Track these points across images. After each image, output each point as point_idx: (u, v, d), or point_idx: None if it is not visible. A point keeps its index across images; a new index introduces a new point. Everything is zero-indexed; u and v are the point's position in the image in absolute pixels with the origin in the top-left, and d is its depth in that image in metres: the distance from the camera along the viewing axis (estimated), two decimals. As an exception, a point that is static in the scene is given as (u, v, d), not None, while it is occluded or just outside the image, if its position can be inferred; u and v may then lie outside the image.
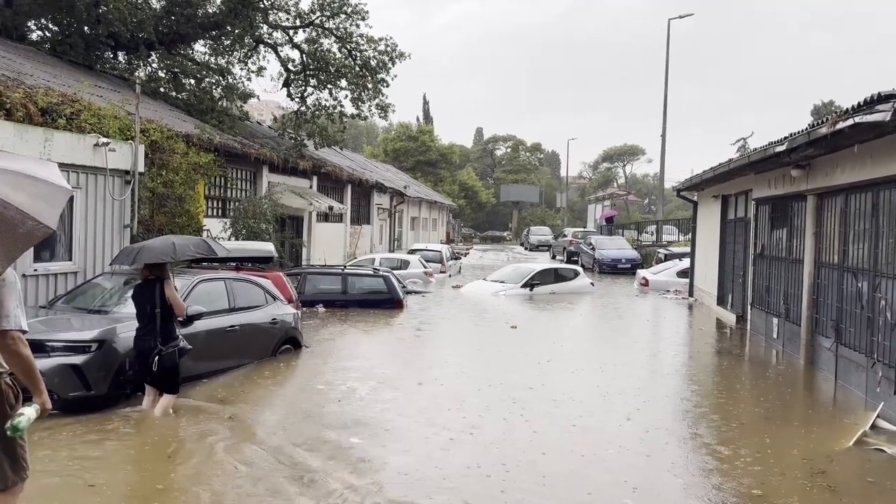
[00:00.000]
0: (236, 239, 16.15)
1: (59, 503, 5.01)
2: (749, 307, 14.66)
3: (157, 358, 6.93)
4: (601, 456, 6.40)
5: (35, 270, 9.47)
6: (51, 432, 6.30)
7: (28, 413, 3.56)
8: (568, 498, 5.45)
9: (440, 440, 6.66)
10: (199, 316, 8.36)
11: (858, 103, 7.70)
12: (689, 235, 25.02)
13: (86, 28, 20.51)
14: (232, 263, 11.20)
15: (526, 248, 51.02)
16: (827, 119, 8.72)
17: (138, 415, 7.11)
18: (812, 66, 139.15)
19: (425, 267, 22.65)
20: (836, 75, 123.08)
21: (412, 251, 27.18)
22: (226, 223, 16.81)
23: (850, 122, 7.52)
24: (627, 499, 5.41)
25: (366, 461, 6.00)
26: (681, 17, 37.94)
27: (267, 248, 13.31)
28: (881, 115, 7.04)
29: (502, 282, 20.96)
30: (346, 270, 16.99)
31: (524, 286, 20.31)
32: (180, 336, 7.23)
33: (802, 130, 9.72)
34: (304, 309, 13.05)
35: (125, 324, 7.60)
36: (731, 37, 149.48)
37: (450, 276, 25.60)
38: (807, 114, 56.76)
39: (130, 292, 8.62)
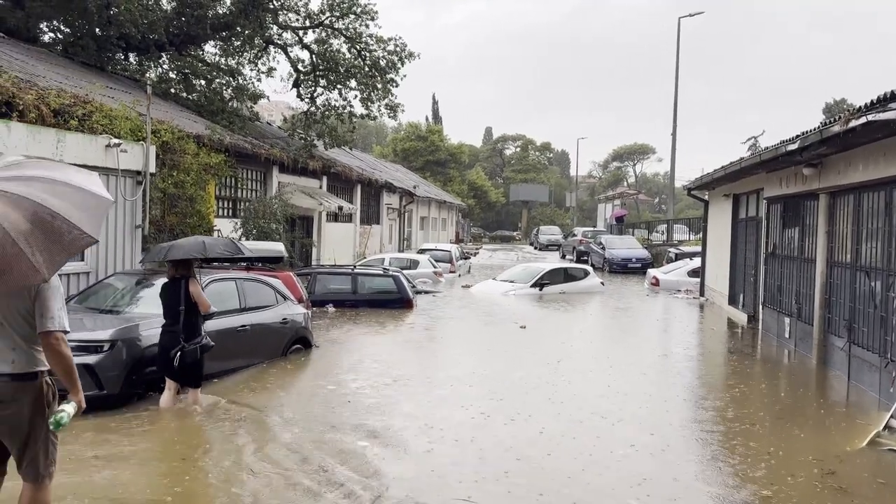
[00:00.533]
0: (247, 239, 16.21)
1: (87, 500, 5.03)
2: (760, 307, 14.58)
3: (178, 354, 7.08)
4: (609, 456, 6.37)
5: (48, 271, 9.51)
6: (73, 431, 6.33)
7: (68, 410, 3.76)
8: (574, 497, 5.43)
9: (449, 440, 6.65)
10: (210, 316, 8.42)
11: (871, 101, 7.65)
12: (700, 234, 24.92)
13: (97, 30, 20.64)
14: (242, 263, 11.24)
15: (535, 248, 50.94)
16: (839, 117, 8.66)
17: (153, 413, 7.17)
18: (816, 65, 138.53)
19: (435, 267, 22.66)
20: (841, 74, 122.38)
21: (422, 251, 27.19)
22: (236, 223, 16.88)
23: (863, 119, 7.47)
24: (633, 500, 5.38)
25: (374, 462, 6.00)
26: (691, 14, 37.67)
27: (277, 248, 13.36)
28: (895, 113, 7.00)
29: (512, 281, 20.94)
30: (355, 270, 17.03)
31: (534, 286, 20.28)
32: (204, 333, 7.38)
33: (815, 129, 9.66)
34: (314, 309, 13.09)
35: (137, 324, 7.65)
36: (734, 36, 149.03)
37: (459, 275, 25.61)
38: (812, 112, 56.61)
39: (142, 292, 8.73)
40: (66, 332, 3.79)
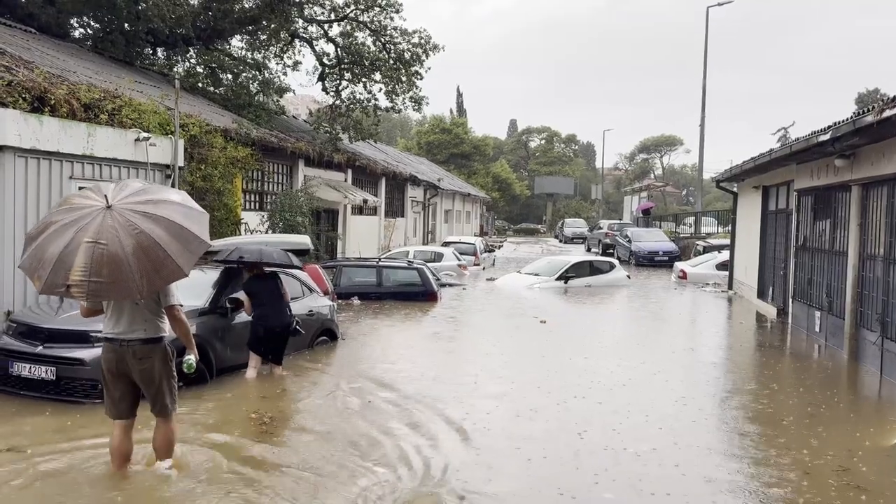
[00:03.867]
0: (273, 232, 16.34)
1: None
2: (790, 300, 14.37)
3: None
4: (632, 450, 6.33)
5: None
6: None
7: (191, 359, 5.36)
8: (595, 492, 5.41)
9: (478, 436, 6.65)
10: (237, 308, 8.55)
11: (907, 90, 7.47)
12: (729, 227, 24.60)
13: (126, 25, 20.91)
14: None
15: (560, 241, 50.68)
16: (873, 107, 8.48)
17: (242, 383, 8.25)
18: (850, 56, 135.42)
19: (459, 259, 22.64)
20: (876, 63, 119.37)
21: (446, 244, 27.19)
22: (263, 216, 17.02)
23: (897, 109, 7.31)
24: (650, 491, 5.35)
25: (407, 454, 6.02)
26: (720, 3, 36.84)
27: (303, 240, 13.42)
28: (931, 102, 6.83)
29: (536, 274, 20.83)
30: (380, 263, 17.08)
31: (559, 279, 20.16)
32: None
33: (847, 119, 9.47)
34: (339, 301, 13.17)
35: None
36: (768, 25, 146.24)
37: (483, 268, 25.57)
38: (845, 104, 55.29)
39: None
40: (182, 306, 5.29)
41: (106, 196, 4.78)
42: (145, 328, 5.14)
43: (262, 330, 8.46)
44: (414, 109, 25.19)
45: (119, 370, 5.18)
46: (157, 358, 5.20)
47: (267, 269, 8.72)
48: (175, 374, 5.36)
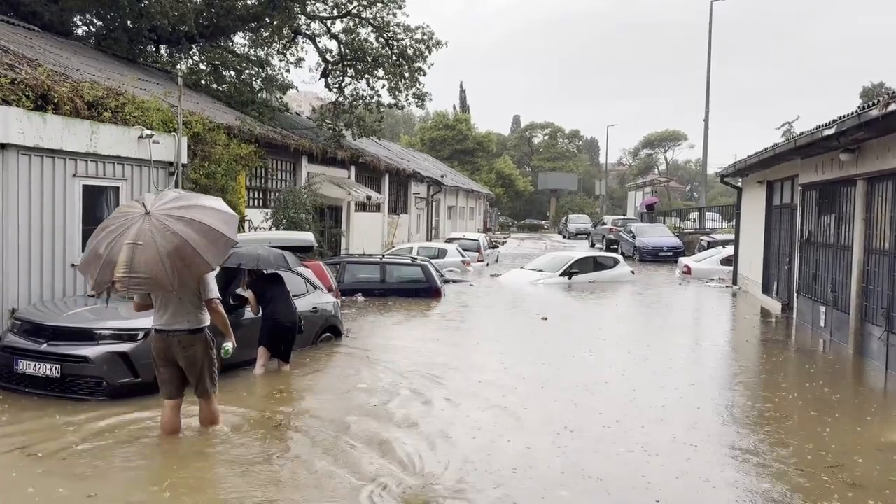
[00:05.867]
0: (277, 229, 16.34)
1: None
2: (795, 295, 14.33)
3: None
4: (627, 446, 6.33)
5: (84, 260, 9.72)
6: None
7: (229, 345, 6.32)
8: (594, 490, 5.41)
9: (483, 435, 6.65)
10: (241, 305, 8.56)
11: (912, 84, 7.42)
12: (733, 222, 24.54)
13: (129, 22, 20.92)
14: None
15: (564, 237, 50.58)
16: (878, 101, 8.44)
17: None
18: (855, 51, 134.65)
19: (463, 256, 22.63)
20: (881, 58, 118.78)
21: (449, 240, 27.17)
22: (267, 213, 17.03)
23: (903, 103, 7.27)
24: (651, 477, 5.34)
25: (410, 453, 6.02)
26: (723, -2, 36.84)
27: (307, 237, 13.42)
28: (937, 95, 6.79)
29: (540, 270, 20.81)
30: (384, 259, 17.09)
31: (563, 275, 20.13)
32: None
33: (852, 113, 9.43)
34: (343, 298, 13.17)
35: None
36: (771, 20, 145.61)
37: (487, 264, 25.54)
38: (850, 99, 54.99)
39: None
40: (220, 299, 6.09)
41: (145, 204, 5.63)
42: (188, 319, 5.93)
43: (271, 325, 8.61)
44: (417, 106, 25.18)
45: (167, 357, 5.97)
46: (199, 346, 5.99)
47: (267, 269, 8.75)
48: (215, 360, 6.18)
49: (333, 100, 24.31)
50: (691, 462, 5.95)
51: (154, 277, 5.31)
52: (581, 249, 30.54)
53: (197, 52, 23.82)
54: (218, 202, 6.00)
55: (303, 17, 24.12)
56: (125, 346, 7.25)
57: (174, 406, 6.09)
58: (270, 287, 8.71)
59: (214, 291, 6.00)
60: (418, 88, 24.08)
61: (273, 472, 5.50)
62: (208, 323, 6.05)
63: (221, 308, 6.10)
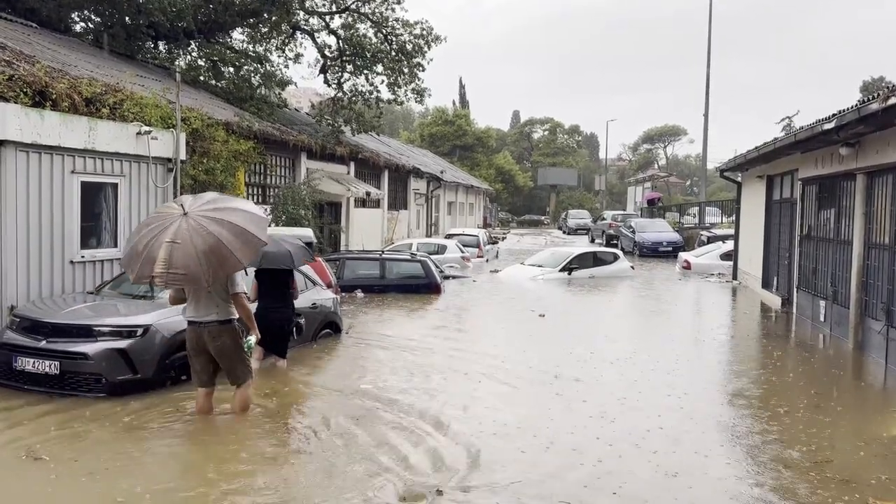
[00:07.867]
0: (276, 225, 16.33)
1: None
2: (795, 290, 14.32)
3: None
4: (624, 444, 6.32)
5: (82, 257, 9.70)
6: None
7: (251, 339, 6.71)
8: (592, 487, 5.41)
9: (485, 432, 6.64)
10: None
11: (912, 77, 7.40)
12: (733, 217, 24.51)
13: (127, 19, 20.86)
14: None
15: (564, 232, 50.57)
16: (878, 94, 8.42)
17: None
18: (855, 45, 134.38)
19: (462, 252, 22.61)
20: (881, 53, 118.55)
21: (449, 236, 27.15)
22: (266, 210, 16.99)
23: (903, 97, 7.24)
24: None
25: (410, 451, 6.02)
26: (723, -7, 36.69)
27: (306, 233, 13.43)
28: (937, 89, 6.77)
29: (540, 266, 20.80)
30: (384, 255, 17.08)
31: (562, 270, 20.13)
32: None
33: (852, 107, 9.41)
34: (343, 294, 13.16)
35: (170, 309, 7.74)
36: (771, 15, 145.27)
37: (487, 260, 25.53)
38: (850, 93, 54.89)
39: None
40: (245, 293, 6.55)
41: (183, 205, 6.09)
42: (217, 312, 6.33)
43: (263, 322, 8.36)
44: (416, 101, 25.14)
45: (199, 347, 6.41)
46: (228, 336, 6.40)
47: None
48: (245, 349, 6.57)
49: (332, 95, 24.24)
50: (693, 463, 5.95)
51: (190, 274, 5.75)
52: (581, 245, 30.53)
53: (195, 49, 23.75)
54: (249, 205, 6.51)
55: (301, 13, 24.05)
56: (124, 343, 7.23)
57: (206, 394, 6.58)
58: (271, 280, 8.58)
59: (241, 286, 6.42)
60: (417, 84, 24.04)
61: (275, 468, 5.50)
62: (237, 315, 6.45)
63: (246, 301, 6.53)
